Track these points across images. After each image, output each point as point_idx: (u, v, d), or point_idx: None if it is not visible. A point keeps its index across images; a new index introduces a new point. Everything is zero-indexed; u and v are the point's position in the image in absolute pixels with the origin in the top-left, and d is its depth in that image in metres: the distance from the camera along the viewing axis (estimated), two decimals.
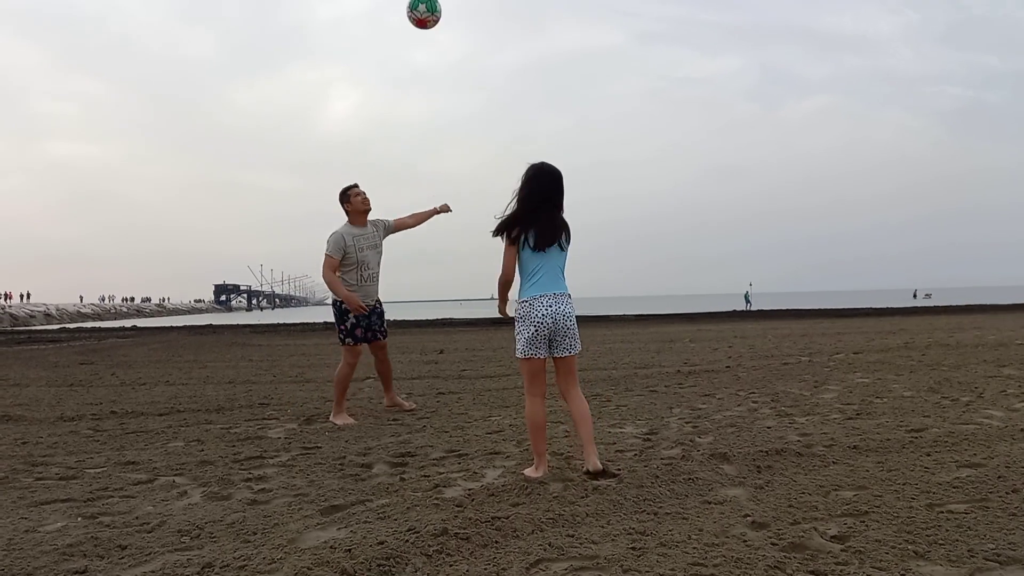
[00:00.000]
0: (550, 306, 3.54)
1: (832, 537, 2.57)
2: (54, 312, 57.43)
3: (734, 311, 33.25)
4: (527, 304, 3.56)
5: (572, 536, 2.65)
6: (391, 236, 5.91)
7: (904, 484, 3.20)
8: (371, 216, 5.73)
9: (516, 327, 3.63)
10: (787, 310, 32.56)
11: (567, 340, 3.59)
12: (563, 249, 3.65)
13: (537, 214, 3.56)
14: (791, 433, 4.42)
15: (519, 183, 3.60)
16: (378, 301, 5.81)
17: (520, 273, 3.64)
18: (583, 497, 3.12)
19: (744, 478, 3.43)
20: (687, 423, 4.91)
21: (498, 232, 3.62)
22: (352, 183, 5.73)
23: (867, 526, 2.67)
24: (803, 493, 3.13)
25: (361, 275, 5.61)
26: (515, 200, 3.59)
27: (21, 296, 57.72)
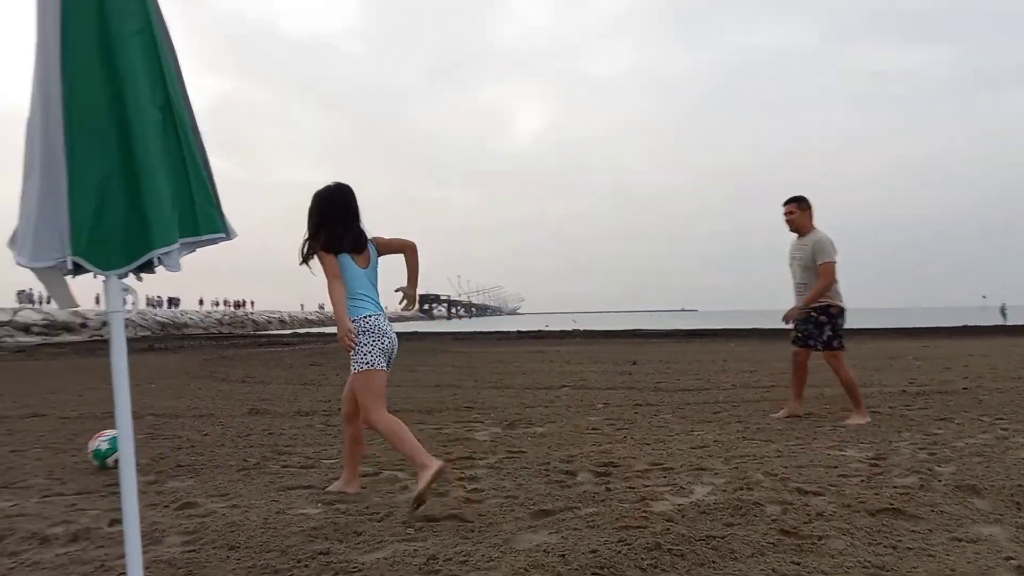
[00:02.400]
0: (388, 326, 3.46)
1: None
2: (287, 318, 64.94)
3: (965, 326, 29.43)
4: (372, 319, 3.38)
5: (798, 564, 2.47)
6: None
7: None
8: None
9: (361, 340, 3.35)
10: (994, 327, 28.21)
11: (392, 360, 3.52)
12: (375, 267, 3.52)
13: (355, 233, 3.44)
14: None
15: (319, 205, 3.42)
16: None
17: (348, 292, 3.39)
18: (806, 523, 2.90)
19: (1001, 515, 2.99)
20: (921, 449, 4.40)
21: (325, 250, 3.37)
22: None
23: None
24: None
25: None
26: (320, 222, 3.38)
27: (247, 303, 65.89)
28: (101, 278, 1.96)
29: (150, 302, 51.66)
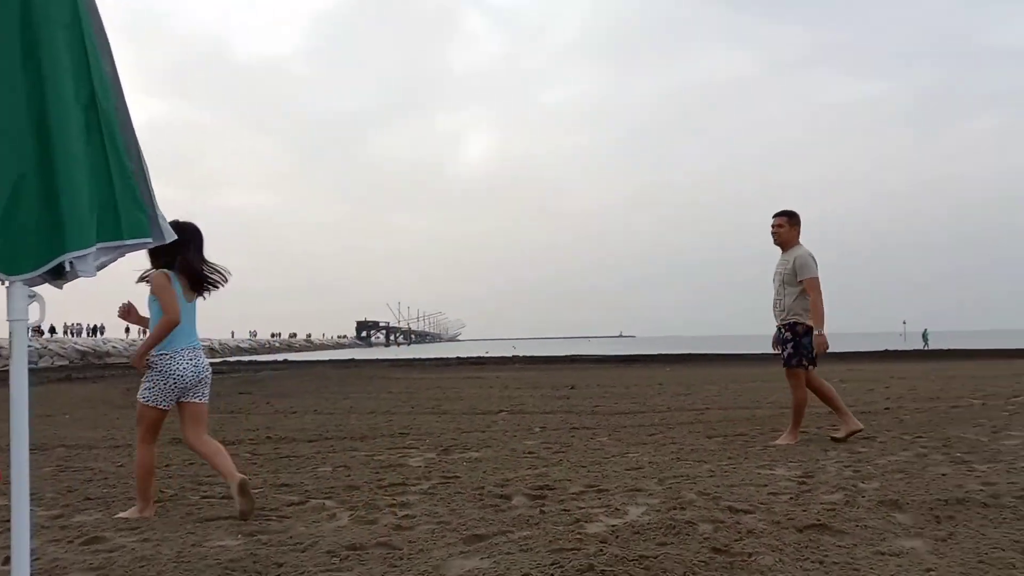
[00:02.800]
0: (193, 359, 3.64)
1: None
2: (216, 346, 62.78)
3: (887, 350, 30.77)
4: (167, 358, 3.57)
5: None
6: None
7: None
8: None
9: (150, 374, 3.59)
10: (952, 350, 29.73)
11: (205, 388, 3.75)
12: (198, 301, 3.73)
13: (199, 270, 3.65)
14: (971, 482, 3.94)
15: (184, 232, 3.53)
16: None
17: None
18: (736, 540, 2.91)
19: (922, 529, 3.07)
20: (846, 467, 4.51)
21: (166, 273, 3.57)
22: None
23: None
24: (995, 548, 2.75)
25: None
26: (180, 248, 3.42)
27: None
28: (6, 284, 1.82)
29: (68, 330, 49.13)
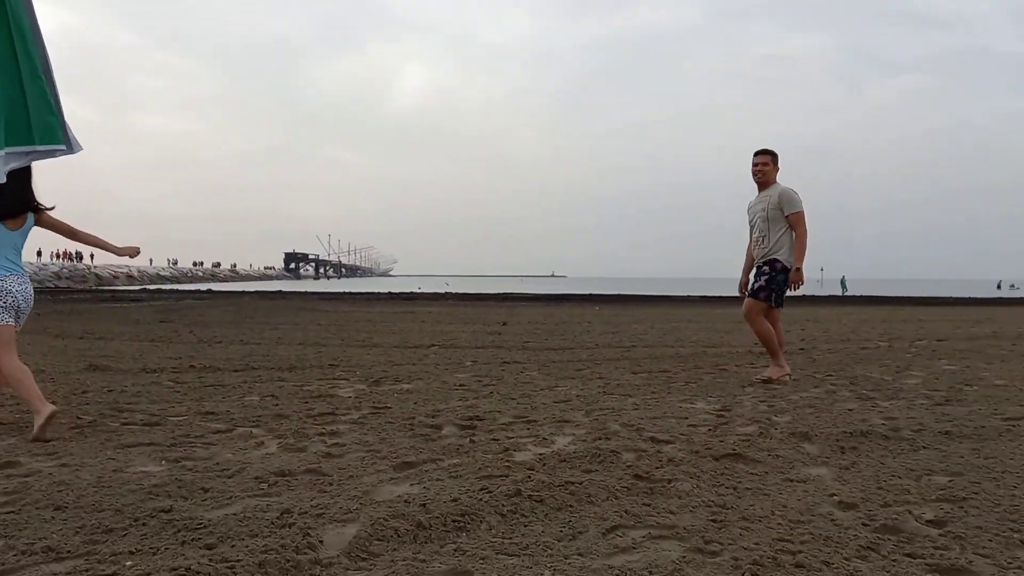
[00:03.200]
0: (19, 285, 3.71)
1: (928, 521, 2.42)
2: (135, 274, 60.25)
3: (804, 295, 32.20)
4: (2, 280, 3.66)
5: (649, 505, 2.58)
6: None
7: (1003, 472, 3.00)
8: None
9: None
10: (864, 296, 31.39)
11: (25, 317, 3.85)
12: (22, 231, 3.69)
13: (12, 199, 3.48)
14: (875, 416, 4.22)
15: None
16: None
17: None
18: (657, 468, 3.05)
19: (828, 458, 3.28)
20: (761, 402, 4.75)
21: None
22: None
23: (966, 512, 2.51)
24: (893, 476, 2.97)
25: None
26: None
27: (79, 256, 59.95)
28: None
29: None
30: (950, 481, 2.89)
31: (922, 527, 2.37)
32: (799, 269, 5.57)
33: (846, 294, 36.95)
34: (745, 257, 6.06)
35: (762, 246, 5.69)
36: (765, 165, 5.72)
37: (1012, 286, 57.24)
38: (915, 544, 2.22)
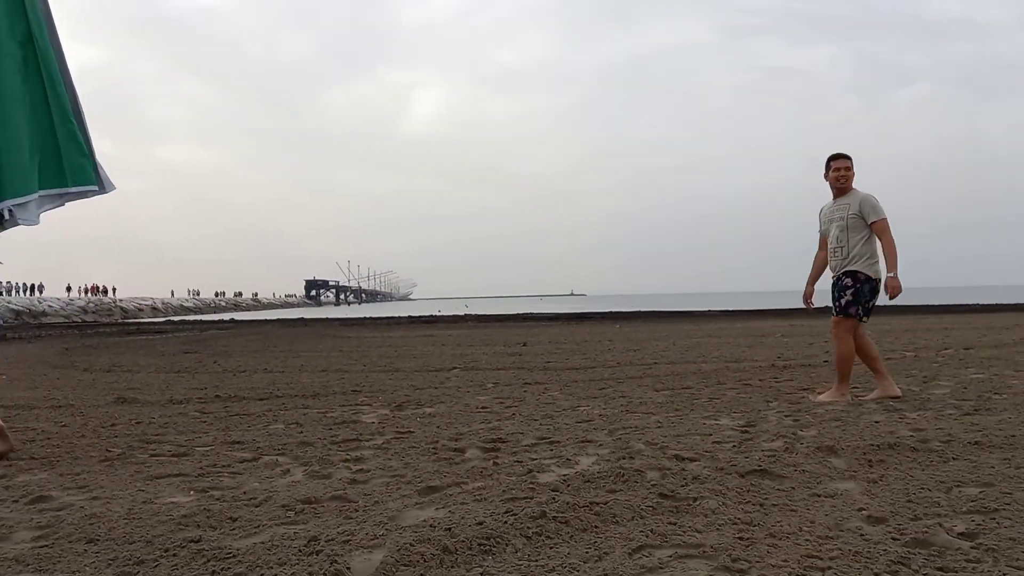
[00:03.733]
0: None
1: (960, 534, 2.38)
2: (159, 306, 61.11)
3: (826, 306, 31.85)
4: None
5: (674, 524, 2.57)
6: None
7: None
8: None
9: None
10: (887, 306, 30.95)
11: None
12: None
13: None
14: (902, 428, 4.16)
15: None
16: None
17: None
18: (683, 486, 3.03)
19: (855, 472, 3.24)
20: (786, 416, 4.71)
21: None
22: None
23: (998, 524, 2.46)
24: (922, 488, 2.93)
25: None
26: None
27: (104, 289, 61.00)
28: None
29: (1, 288, 47.07)
30: (981, 492, 2.84)
31: (953, 540, 2.33)
32: (894, 276, 5.18)
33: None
34: (812, 267, 5.72)
35: (839, 256, 5.36)
36: (848, 170, 5.39)
37: None
38: (946, 558, 2.19)
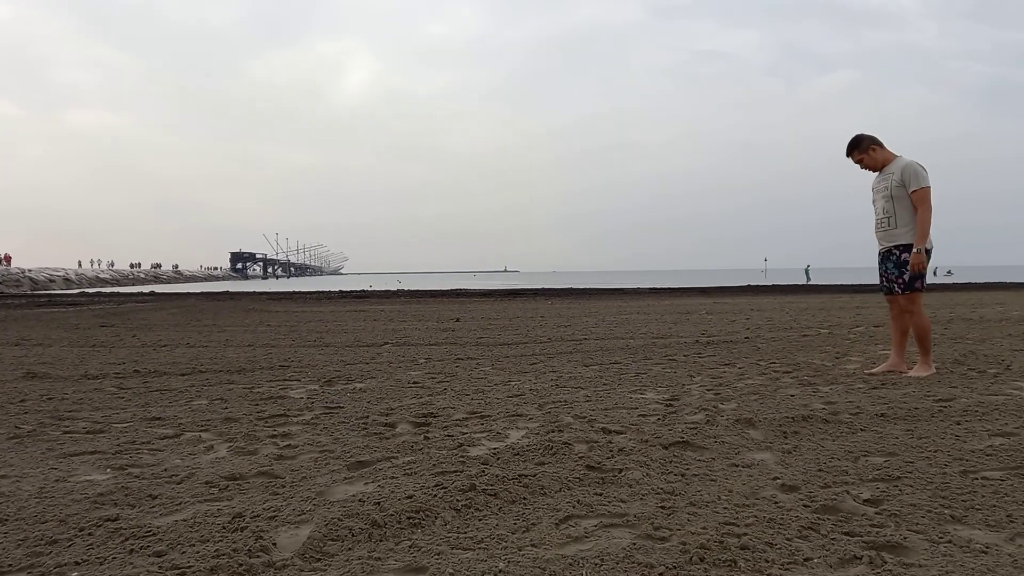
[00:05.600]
0: None
1: (865, 501, 2.53)
2: (73, 277, 58.06)
3: (748, 285, 33.05)
4: None
5: (600, 495, 2.64)
6: None
7: (936, 451, 3.16)
8: None
9: None
10: (800, 285, 32.34)
11: None
12: None
13: None
14: (816, 401, 4.38)
15: None
16: None
17: None
18: (609, 458, 3.11)
19: (771, 443, 3.40)
20: (709, 390, 4.88)
21: None
22: None
23: (900, 491, 2.63)
24: (832, 458, 3.09)
25: None
26: None
27: (5, 258, 57.72)
28: None
29: None
30: (885, 461, 3.03)
31: (859, 506, 2.48)
32: (919, 251, 5.09)
33: (810, 283, 37.96)
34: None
35: (886, 228, 5.28)
36: (860, 161, 5.38)
37: (948, 272, 59.09)
38: (853, 523, 2.33)
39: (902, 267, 5.25)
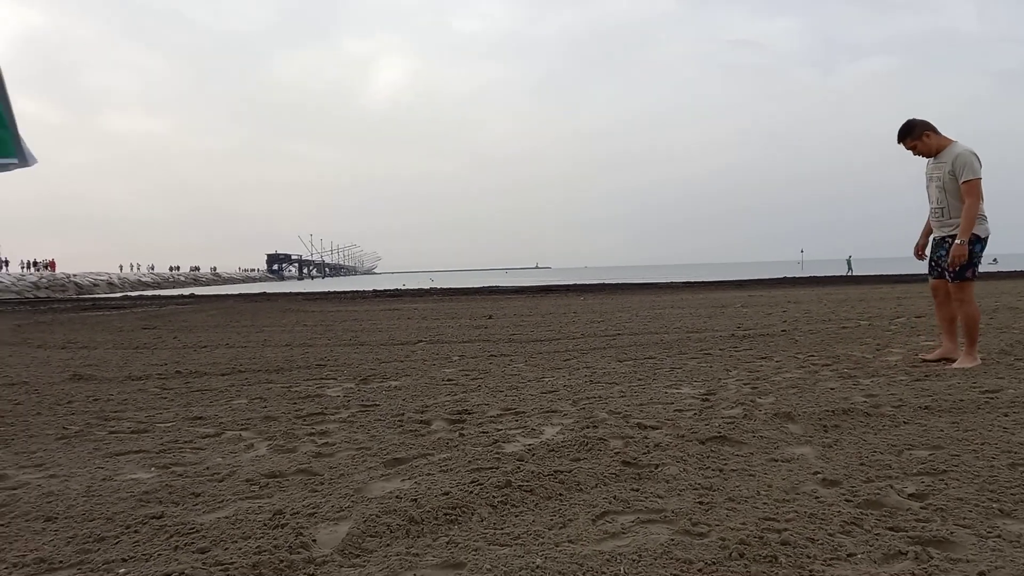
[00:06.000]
0: None
1: (910, 495, 2.48)
2: (116, 281, 59.62)
3: (784, 277, 32.52)
4: None
5: (637, 490, 2.62)
6: None
7: (983, 444, 3.07)
8: None
9: None
10: (841, 276, 31.73)
11: None
12: None
13: None
14: (856, 394, 4.29)
15: None
16: None
17: None
18: (645, 453, 3.09)
19: (811, 437, 3.34)
20: (746, 384, 4.81)
21: None
22: None
23: (947, 484, 2.57)
24: (875, 452, 3.03)
25: None
26: None
27: (42, 265, 59.46)
28: None
29: None
30: (930, 455, 2.95)
31: (904, 501, 2.42)
32: (961, 244, 5.00)
33: (851, 273, 37.24)
34: (925, 224, 5.48)
35: (942, 219, 5.20)
36: (915, 148, 5.23)
37: (993, 260, 57.35)
38: (897, 518, 2.28)
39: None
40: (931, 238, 5.44)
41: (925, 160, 5.37)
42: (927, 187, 5.35)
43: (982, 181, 5.01)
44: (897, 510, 2.34)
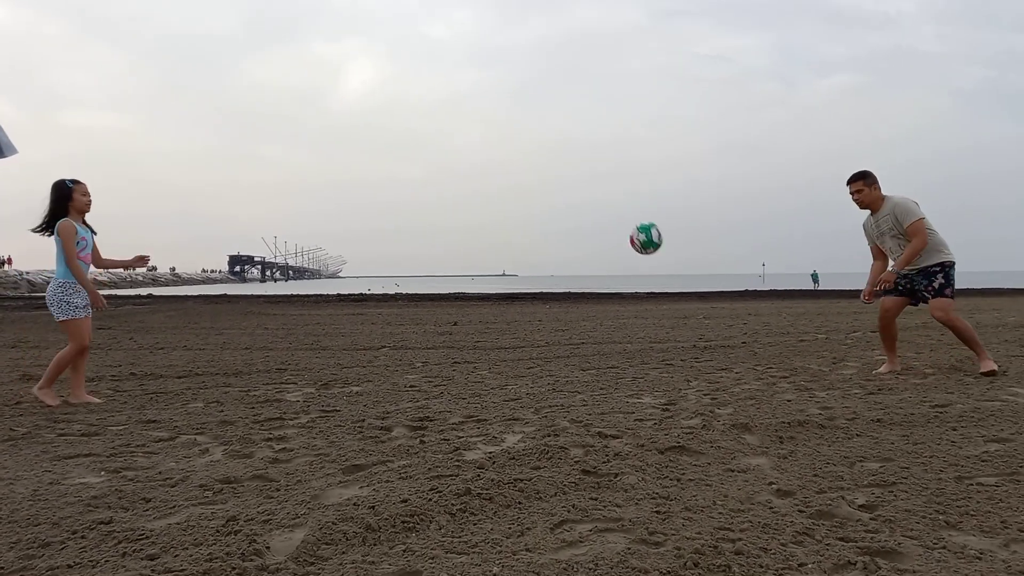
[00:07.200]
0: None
1: (860, 506, 2.53)
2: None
3: (746, 290, 33.07)
4: None
5: (595, 499, 2.64)
6: None
7: (931, 457, 3.16)
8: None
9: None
10: (800, 290, 32.36)
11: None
12: None
13: None
14: (812, 406, 4.38)
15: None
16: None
17: None
18: (605, 462, 3.11)
19: (767, 448, 3.39)
20: (705, 395, 4.88)
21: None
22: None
23: (895, 496, 2.63)
24: (828, 463, 3.09)
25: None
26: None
27: (7, 260, 57.68)
28: None
29: None
30: (881, 467, 3.03)
31: (855, 512, 2.48)
32: (893, 271, 5.47)
33: (817, 287, 37.99)
34: (870, 274, 5.76)
35: (910, 265, 5.53)
36: (859, 192, 5.54)
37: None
38: (848, 528, 2.33)
39: (931, 277, 5.49)
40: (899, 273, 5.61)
41: (862, 211, 5.70)
42: (878, 241, 5.67)
43: (924, 219, 5.40)
44: (848, 521, 2.39)
